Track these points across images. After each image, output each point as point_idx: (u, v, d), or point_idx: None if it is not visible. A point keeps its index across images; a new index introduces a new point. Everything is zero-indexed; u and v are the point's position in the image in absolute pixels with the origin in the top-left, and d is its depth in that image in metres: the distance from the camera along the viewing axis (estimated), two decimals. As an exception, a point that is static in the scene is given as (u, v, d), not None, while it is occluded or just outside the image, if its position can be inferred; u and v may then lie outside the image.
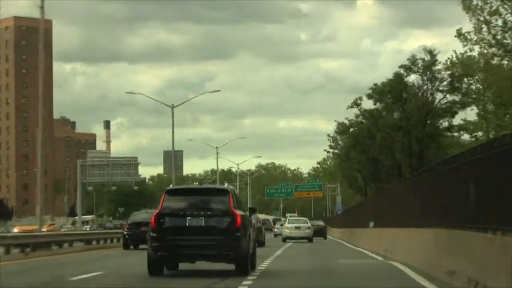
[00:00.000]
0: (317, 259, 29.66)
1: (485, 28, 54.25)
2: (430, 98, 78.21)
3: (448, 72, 74.92)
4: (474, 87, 72.38)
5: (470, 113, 73.74)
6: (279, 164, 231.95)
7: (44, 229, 49.38)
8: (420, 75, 77.84)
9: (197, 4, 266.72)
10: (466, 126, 72.26)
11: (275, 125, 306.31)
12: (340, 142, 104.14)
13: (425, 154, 77.56)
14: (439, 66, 76.85)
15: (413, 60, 77.83)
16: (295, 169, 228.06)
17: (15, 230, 75.94)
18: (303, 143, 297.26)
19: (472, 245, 15.90)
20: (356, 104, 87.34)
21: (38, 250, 34.47)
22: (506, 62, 56.36)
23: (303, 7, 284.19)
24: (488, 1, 52.71)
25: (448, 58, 72.92)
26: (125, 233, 41.86)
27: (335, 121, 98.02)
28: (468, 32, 56.79)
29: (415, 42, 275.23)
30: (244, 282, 17.83)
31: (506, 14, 52.59)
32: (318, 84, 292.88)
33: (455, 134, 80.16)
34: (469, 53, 64.86)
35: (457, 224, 17.91)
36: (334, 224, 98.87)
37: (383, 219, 37.58)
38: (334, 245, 50.60)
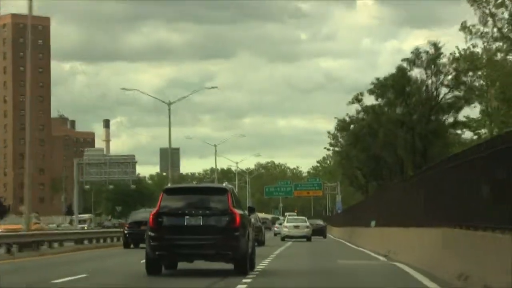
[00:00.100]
0: (316, 259, 29.31)
1: (490, 21, 53.58)
2: (435, 92, 75.79)
3: (454, 65, 72.51)
4: (477, 84, 70.72)
5: (473, 110, 72.53)
6: (279, 163, 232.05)
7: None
8: (424, 68, 75.18)
9: (197, 3, 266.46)
10: (469, 124, 71.14)
11: (275, 125, 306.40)
12: (340, 140, 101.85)
13: (428, 152, 75.20)
14: (443, 60, 74.41)
15: (416, 53, 75.18)
16: (294, 168, 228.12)
17: None
18: (303, 143, 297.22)
19: (486, 246, 14.93)
20: (357, 99, 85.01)
21: (26, 250, 33.36)
22: (511, 57, 55.66)
23: (303, 7, 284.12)
24: None
25: (451, 54, 71.90)
26: (125, 232, 42.12)
27: (335, 117, 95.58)
28: (473, 25, 56.07)
29: (415, 41, 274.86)
30: (244, 280, 17.81)
31: None
32: (318, 84, 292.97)
33: (458, 131, 78.21)
34: (472, 49, 64.43)
35: (468, 223, 17.01)
36: (334, 223, 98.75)
37: (385, 218, 36.48)
38: (334, 244, 50.20)
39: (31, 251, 33.54)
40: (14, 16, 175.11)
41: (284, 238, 57.84)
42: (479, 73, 67.89)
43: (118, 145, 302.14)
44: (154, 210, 19.72)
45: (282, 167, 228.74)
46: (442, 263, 19.19)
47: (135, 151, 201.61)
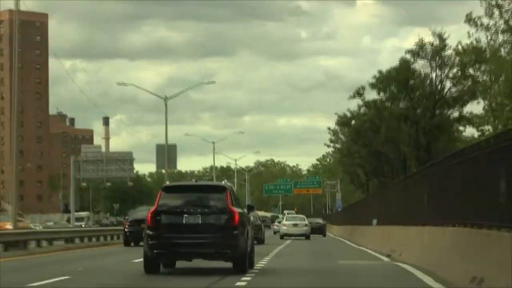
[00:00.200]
0: (316, 258, 29.14)
1: (497, 13, 52.89)
2: (439, 86, 73.01)
3: (459, 58, 70.07)
4: (480, 80, 68.86)
5: (476, 107, 70.88)
6: (278, 161, 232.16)
7: (8, 227, 48.45)
8: (429, 61, 72.28)
9: (197, 2, 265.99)
10: (472, 120, 69.55)
11: (275, 123, 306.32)
12: (341, 136, 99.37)
13: (433, 147, 72.88)
14: (448, 52, 71.69)
15: (421, 44, 72.24)
16: (294, 166, 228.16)
17: None
18: (303, 141, 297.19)
19: (503, 247, 13.95)
20: (358, 94, 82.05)
21: (12, 249, 31.97)
22: None
23: (303, 5, 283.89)
24: None
25: (457, 46, 70.17)
26: (126, 230, 42.38)
27: (335, 113, 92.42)
28: (479, 17, 55.26)
29: (415, 40, 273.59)
30: (243, 278, 17.81)
31: None
32: (318, 82, 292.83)
33: (461, 128, 76.06)
34: (475, 44, 63.77)
35: (483, 222, 15.96)
36: (334, 222, 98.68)
37: (387, 216, 35.55)
38: (334, 243, 49.86)
39: (18, 250, 32.50)
40: (11, 12, 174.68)
41: (283, 236, 58.47)
42: (483, 68, 66.45)
43: (118, 143, 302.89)
44: (152, 208, 19.66)
45: (282, 165, 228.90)
46: (451, 264, 18.09)
47: (135, 149, 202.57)
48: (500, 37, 54.90)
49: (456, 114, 73.93)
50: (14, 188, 43.06)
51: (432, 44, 71.30)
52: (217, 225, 19.05)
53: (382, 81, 75.55)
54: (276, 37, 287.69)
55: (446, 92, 72.70)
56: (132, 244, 41.44)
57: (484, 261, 14.99)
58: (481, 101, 68.16)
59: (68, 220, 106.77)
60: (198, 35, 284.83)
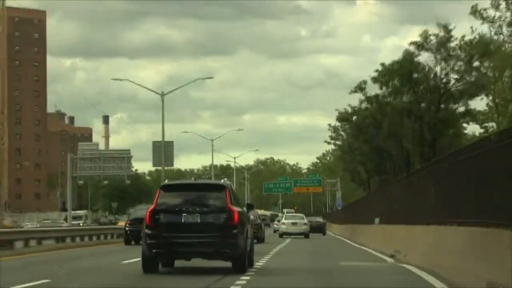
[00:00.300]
0: (316, 257, 28.79)
1: (503, 4, 52.08)
2: (444, 79, 69.74)
3: (465, 49, 67.19)
4: (487, 73, 66.75)
5: (480, 103, 69.50)
6: (278, 159, 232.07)
7: None
8: (433, 53, 69.19)
9: (197, 0, 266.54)
10: (476, 116, 67.93)
11: (275, 122, 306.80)
12: (341, 133, 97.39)
13: (438, 142, 70.30)
14: (454, 43, 68.64)
15: (425, 36, 69.18)
16: (294, 164, 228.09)
17: None
18: (303, 140, 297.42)
19: None
20: (360, 88, 79.77)
21: None
22: None
23: (303, 4, 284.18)
24: None
25: (456, 45, 68.31)
26: (127, 229, 43.04)
27: (336, 110, 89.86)
28: (485, 9, 54.31)
29: (415, 38, 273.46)
30: (242, 277, 17.78)
31: None
32: (318, 80, 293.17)
33: (464, 125, 73.53)
34: (477, 39, 62.84)
35: (497, 221, 14.75)
36: (334, 220, 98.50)
37: (391, 214, 34.39)
38: (334, 242, 49.46)
39: (4, 250, 31.21)
40: (9, 9, 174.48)
41: (282, 235, 58.91)
42: (486, 64, 64.74)
43: (118, 142, 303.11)
44: (150, 207, 19.58)
45: (282, 163, 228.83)
46: (462, 267, 16.89)
47: (135, 148, 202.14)
48: (505, 31, 54.09)
49: (462, 109, 71.27)
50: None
51: (437, 36, 68.57)
52: (216, 224, 18.94)
53: (385, 74, 72.90)
54: (276, 36, 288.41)
55: (452, 86, 69.81)
56: (132, 242, 41.71)
57: (499, 263, 14.00)
58: (485, 98, 67.09)
59: (66, 219, 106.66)
60: (198, 34, 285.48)
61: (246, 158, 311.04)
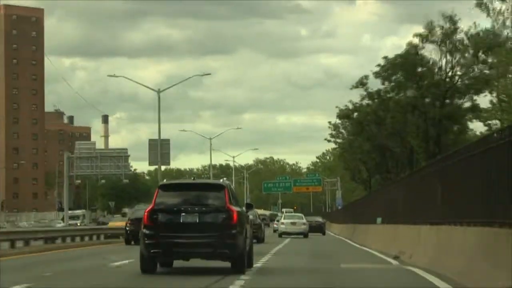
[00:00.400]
0: (316, 261, 28.26)
1: None
2: (450, 72, 66.97)
3: (472, 41, 64.56)
4: (487, 71, 64.62)
5: (483, 100, 67.21)
6: (278, 159, 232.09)
7: None
8: (438, 45, 66.41)
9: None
10: (479, 114, 65.52)
11: (275, 121, 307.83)
12: (342, 131, 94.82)
13: (443, 139, 67.89)
14: (460, 35, 65.75)
15: (430, 27, 65.98)
16: (293, 164, 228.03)
17: None
18: (303, 139, 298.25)
19: None
20: (361, 83, 77.06)
21: None
22: None
23: (303, 3, 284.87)
24: None
25: (469, 28, 65.46)
26: (127, 228, 43.28)
27: (336, 107, 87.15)
28: (491, 1, 53.26)
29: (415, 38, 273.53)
30: (242, 277, 17.75)
31: None
32: (318, 80, 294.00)
33: (469, 123, 70.69)
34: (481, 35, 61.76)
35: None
36: (333, 220, 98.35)
37: (394, 214, 33.29)
38: (335, 242, 48.96)
39: None
40: (6, 7, 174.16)
41: (281, 234, 59.46)
42: (490, 60, 62.72)
43: (118, 141, 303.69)
44: (149, 207, 19.52)
45: (281, 163, 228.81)
46: (474, 270, 15.95)
47: (135, 147, 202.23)
48: (509, 23, 53.10)
49: (467, 104, 68.37)
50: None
51: (442, 28, 65.69)
52: (215, 224, 18.86)
53: (388, 69, 70.52)
54: (276, 35, 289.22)
55: (458, 80, 67.25)
56: (132, 242, 41.77)
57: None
58: (488, 95, 64.99)
59: (63, 219, 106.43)
60: (198, 33, 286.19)
61: (245, 158, 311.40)
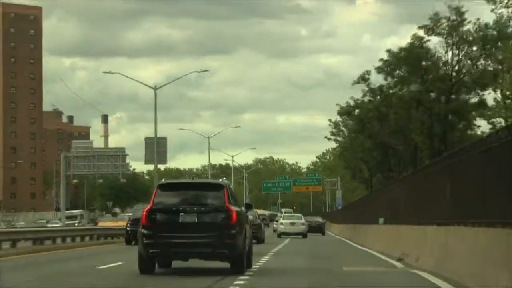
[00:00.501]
0: (317, 263, 27.81)
1: None
2: (456, 66, 64.29)
3: (480, 33, 61.65)
4: (491, 67, 62.41)
5: (487, 98, 65.46)
6: (278, 159, 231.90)
7: None
8: (444, 37, 63.53)
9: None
10: (483, 112, 63.55)
11: (275, 121, 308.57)
12: (342, 128, 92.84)
13: (448, 136, 65.31)
14: (467, 27, 62.84)
15: (436, 19, 63.06)
16: (293, 164, 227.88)
17: None
18: (303, 139, 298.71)
19: None
20: (363, 79, 74.47)
21: None
22: None
23: (303, 3, 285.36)
24: None
25: (477, 20, 62.82)
26: (128, 229, 43.62)
27: (337, 104, 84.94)
28: None
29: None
30: (240, 277, 17.73)
31: None
32: (318, 80, 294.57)
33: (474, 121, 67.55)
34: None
35: None
36: (334, 220, 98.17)
37: (397, 213, 32.20)
38: (335, 243, 48.50)
39: None
40: (4, 5, 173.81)
41: (280, 234, 59.88)
42: (494, 57, 60.84)
43: (118, 141, 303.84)
44: (147, 207, 19.45)
45: (281, 163, 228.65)
46: (487, 274, 15.02)
47: (134, 147, 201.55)
48: None
49: (475, 99, 65.73)
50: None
51: (448, 19, 62.87)
52: (214, 224, 18.81)
53: (390, 64, 68.04)
54: (276, 35, 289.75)
55: (464, 74, 64.34)
56: (133, 242, 41.82)
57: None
58: (492, 92, 63.01)
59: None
60: (198, 33, 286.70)
61: (245, 158, 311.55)
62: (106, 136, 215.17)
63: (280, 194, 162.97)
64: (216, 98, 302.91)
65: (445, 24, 62.92)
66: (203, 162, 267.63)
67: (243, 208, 21.07)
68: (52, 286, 17.31)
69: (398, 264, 24.12)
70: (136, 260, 19.57)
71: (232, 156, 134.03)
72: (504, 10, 54.21)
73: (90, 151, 74.59)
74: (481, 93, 65.21)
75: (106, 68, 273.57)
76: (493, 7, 52.52)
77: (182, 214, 18.79)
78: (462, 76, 64.30)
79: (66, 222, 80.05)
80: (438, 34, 63.59)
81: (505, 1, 51.54)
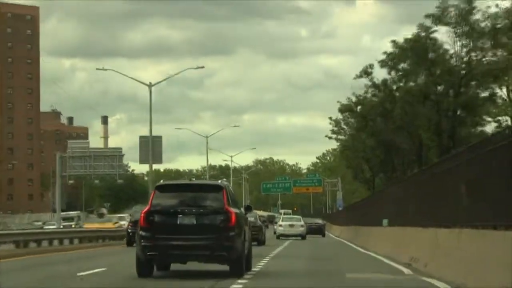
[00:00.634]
0: (318, 266, 27.32)
1: None
2: (466, 58, 60.40)
3: (491, 22, 58.23)
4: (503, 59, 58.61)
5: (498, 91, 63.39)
6: (278, 159, 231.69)
7: None
8: (453, 27, 59.58)
9: (197, 0, 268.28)
10: (489, 109, 62.09)
11: (275, 122, 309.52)
12: (344, 126, 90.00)
13: (458, 132, 62.30)
14: (478, 16, 59.03)
15: (443, 7, 59.41)
16: (293, 165, 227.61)
17: None
18: (302, 140, 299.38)
19: None
20: (366, 73, 70.70)
21: None
22: None
23: (303, 4, 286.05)
24: None
25: (488, 8, 58.89)
26: (129, 230, 44.15)
27: (338, 101, 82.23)
28: None
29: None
30: (239, 281, 17.67)
31: None
32: (318, 81, 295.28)
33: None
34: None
35: None
36: (334, 221, 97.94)
37: (404, 215, 30.63)
38: (336, 246, 47.70)
39: None
40: (1, 5, 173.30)
41: (279, 236, 60.54)
42: (499, 53, 58.03)
43: (118, 142, 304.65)
44: (145, 208, 19.37)
45: (281, 164, 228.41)
46: None
47: (134, 149, 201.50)
48: None
49: (485, 93, 61.88)
50: None
51: (457, 7, 59.24)
52: (213, 226, 18.68)
53: (394, 58, 64.79)
54: (276, 36, 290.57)
55: (474, 66, 60.29)
56: (134, 244, 41.21)
57: None
58: (498, 90, 61.69)
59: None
60: (198, 34, 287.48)
61: (245, 159, 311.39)
62: (106, 137, 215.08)
63: (280, 195, 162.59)
64: (216, 99, 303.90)
65: (453, 12, 59.30)
66: (203, 163, 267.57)
67: (243, 210, 20.91)
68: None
69: (406, 270, 22.32)
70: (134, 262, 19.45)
71: (231, 156, 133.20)
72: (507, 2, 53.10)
73: (87, 151, 73.82)
74: (492, 86, 62.10)
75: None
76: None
77: (180, 216, 18.65)
78: (472, 68, 60.41)
79: (64, 224, 79.38)
80: (446, 24, 59.86)
81: None
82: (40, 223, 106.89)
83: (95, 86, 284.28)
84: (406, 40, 63.33)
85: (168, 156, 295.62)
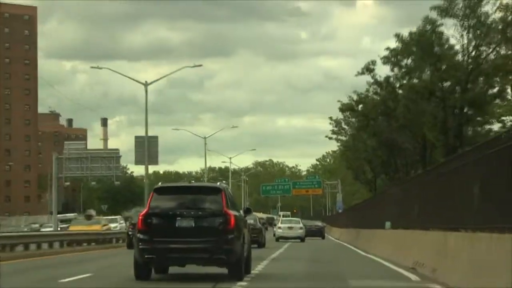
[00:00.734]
0: (319, 269, 26.92)
1: None
2: (474, 52, 57.65)
3: (500, 15, 55.20)
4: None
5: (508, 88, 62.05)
6: (277, 161, 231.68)
7: None
8: (460, 20, 56.82)
9: (196, 2, 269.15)
10: (492, 109, 60.26)
11: (275, 124, 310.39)
12: (344, 126, 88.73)
13: (465, 130, 60.30)
14: (487, 8, 56.34)
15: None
16: (293, 167, 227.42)
17: None
18: (302, 142, 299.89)
19: None
20: (368, 69, 68.57)
21: None
22: None
23: (303, 6, 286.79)
24: None
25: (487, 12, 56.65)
26: (129, 233, 43.62)
27: (338, 101, 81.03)
28: None
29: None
30: (239, 283, 17.70)
31: None
32: (318, 83, 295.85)
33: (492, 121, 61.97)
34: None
35: None
36: (334, 224, 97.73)
37: (407, 217, 29.68)
38: (337, 248, 47.15)
39: None
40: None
41: (278, 239, 60.85)
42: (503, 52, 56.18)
43: (117, 144, 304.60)
44: (143, 211, 19.31)
45: (281, 166, 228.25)
46: None
47: (134, 150, 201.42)
48: None
49: (494, 90, 59.50)
50: None
51: None
52: (212, 229, 18.63)
53: (397, 54, 62.64)
54: (275, 38, 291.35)
55: (483, 60, 57.79)
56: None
57: None
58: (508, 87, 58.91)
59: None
60: (198, 36, 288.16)
61: (244, 161, 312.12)
62: (105, 139, 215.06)
63: (279, 197, 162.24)
64: (216, 101, 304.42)
65: (461, 4, 56.47)
66: (202, 166, 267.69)
67: (242, 212, 20.85)
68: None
69: (413, 277, 21.07)
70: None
71: (230, 158, 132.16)
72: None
73: (83, 152, 73.30)
74: (500, 81, 59.52)
75: (106, 71, 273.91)
76: None
77: (179, 218, 18.60)
78: (479, 63, 57.91)
79: (61, 226, 78.79)
80: (452, 16, 56.84)
81: None
82: (37, 225, 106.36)
83: (95, 88, 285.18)
84: (410, 34, 61.34)
85: (168, 158, 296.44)
